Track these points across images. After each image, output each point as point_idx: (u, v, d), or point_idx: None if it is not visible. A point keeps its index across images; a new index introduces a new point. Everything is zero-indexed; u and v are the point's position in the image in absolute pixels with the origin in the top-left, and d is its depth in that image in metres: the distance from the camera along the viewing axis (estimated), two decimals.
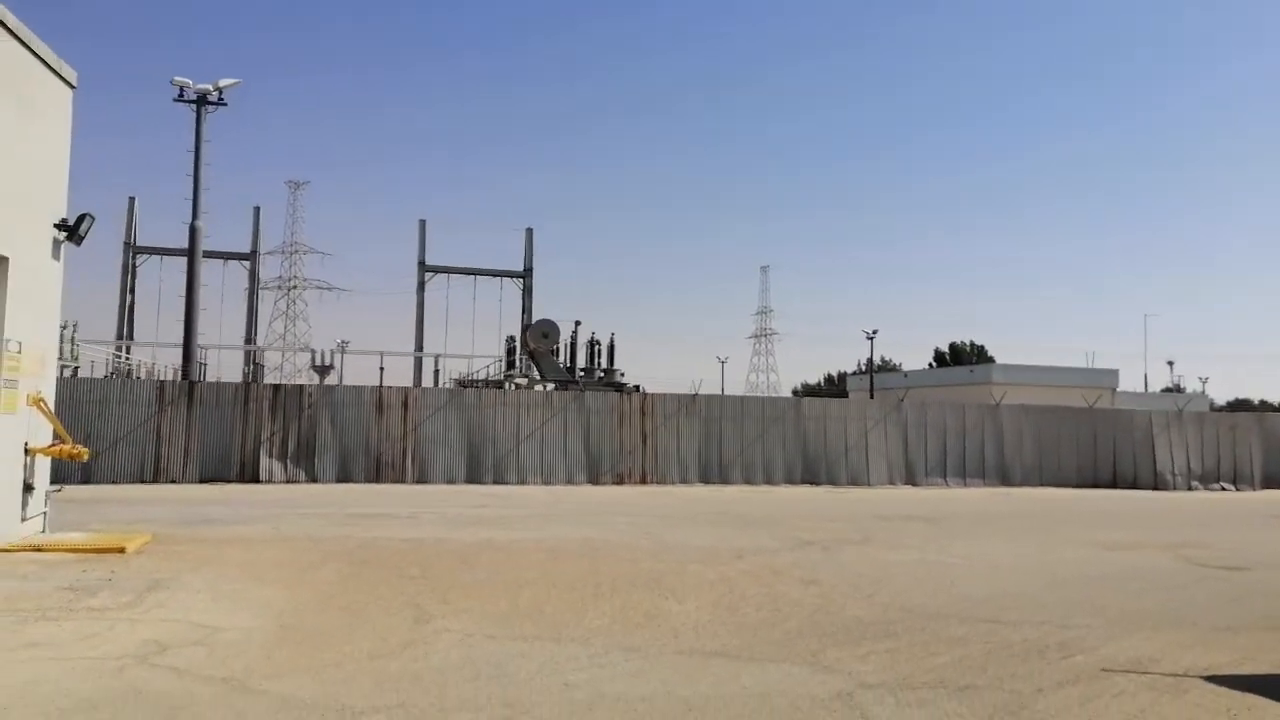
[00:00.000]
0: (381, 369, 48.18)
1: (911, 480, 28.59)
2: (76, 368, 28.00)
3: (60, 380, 23.37)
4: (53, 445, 11.40)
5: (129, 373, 46.63)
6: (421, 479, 24.36)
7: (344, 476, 23.87)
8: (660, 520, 16.77)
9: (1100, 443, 30.58)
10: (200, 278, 25.19)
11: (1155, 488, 30.01)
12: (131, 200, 55.23)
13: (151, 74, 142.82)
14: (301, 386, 24.56)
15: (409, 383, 49.94)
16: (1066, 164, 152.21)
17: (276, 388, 24.16)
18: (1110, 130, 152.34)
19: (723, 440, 27.17)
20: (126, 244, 54.12)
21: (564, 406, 26.01)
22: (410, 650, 7.00)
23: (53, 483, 12.10)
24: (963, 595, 10.25)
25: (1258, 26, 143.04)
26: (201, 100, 25.39)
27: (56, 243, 11.94)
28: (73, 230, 11.93)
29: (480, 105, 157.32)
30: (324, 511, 16.60)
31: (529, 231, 60.21)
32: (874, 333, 60.63)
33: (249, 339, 62.79)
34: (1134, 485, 30.12)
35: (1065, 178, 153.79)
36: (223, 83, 25.37)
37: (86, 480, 22.05)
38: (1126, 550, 14.54)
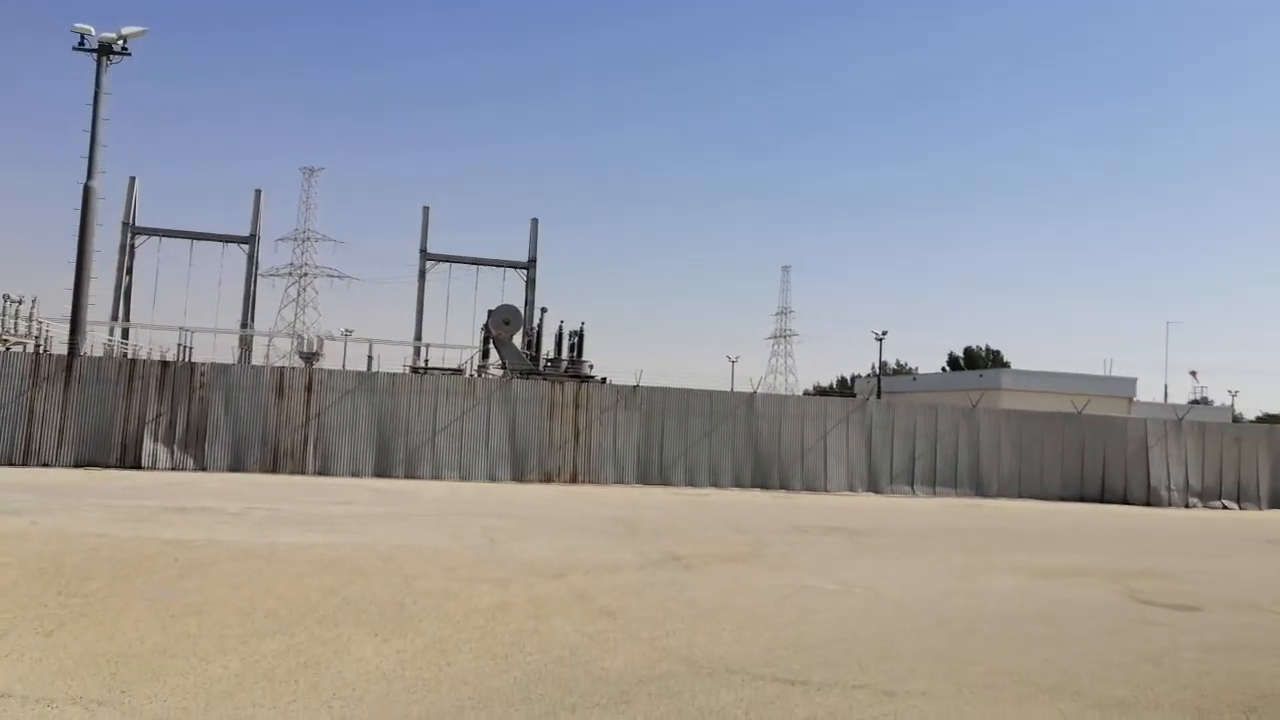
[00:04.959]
0: (370, 357, 46.21)
1: (874, 488, 26.03)
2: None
3: None
4: None
5: (121, 354, 45.24)
6: (324, 470, 22.20)
7: (237, 465, 21.78)
8: (530, 525, 14.47)
9: (1089, 453, 27.80)
10: (92, 244, 23.17)
11: (1148, 504, 27.16)
12: (132, 180, 53.70)
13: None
14: (194, 364, 22.40)
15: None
16: (1107, 170, 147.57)
17: (165, 365, 22.10)
18: (1147, 135, 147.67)
19: (664, 437, 24.77)
20: (125, 224, 52.73)
21: (488, 396, 23.74)
22: None
23: None
24: (794, 639, 7.89)
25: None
26: (104, 50, 23.38)
27: None
28: None
29: (496, 103, 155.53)
30: (143, 503, 14.46)
31: (534, 222, 57.98)
32: (883, 334, 58.14)
33: (245, 324, 61.26)
34: (1125, 500, 27.29)
35: (1102, 181, 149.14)
36: (126, 30, 23.30)
37: None
38: (1063, 579, 12.07)
